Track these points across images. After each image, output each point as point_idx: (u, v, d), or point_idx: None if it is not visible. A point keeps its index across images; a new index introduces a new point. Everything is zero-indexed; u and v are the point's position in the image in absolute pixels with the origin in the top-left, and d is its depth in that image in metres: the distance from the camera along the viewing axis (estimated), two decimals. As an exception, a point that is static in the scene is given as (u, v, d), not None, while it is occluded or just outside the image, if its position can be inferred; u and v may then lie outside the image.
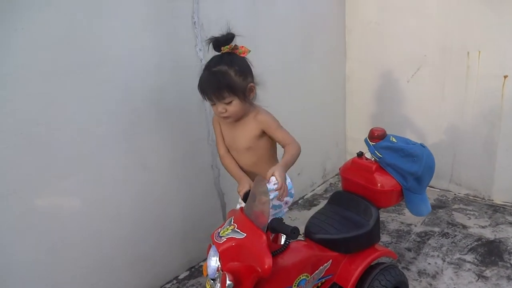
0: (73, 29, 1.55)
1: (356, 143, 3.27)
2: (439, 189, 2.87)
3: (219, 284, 1.31)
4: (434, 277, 2.01)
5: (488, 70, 2.47)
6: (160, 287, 2.07)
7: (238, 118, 1.57)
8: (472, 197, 2.75)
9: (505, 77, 2.41)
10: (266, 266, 1.27)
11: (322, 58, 2.89)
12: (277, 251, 1.43)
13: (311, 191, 3.03)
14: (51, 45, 1.50)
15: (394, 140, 1.71)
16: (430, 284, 1.96)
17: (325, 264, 1.59)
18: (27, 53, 1.45)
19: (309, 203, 2.86)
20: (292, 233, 1.31)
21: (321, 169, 3.15)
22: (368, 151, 1.76)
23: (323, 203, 2.84)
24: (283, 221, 1.73)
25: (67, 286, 1.69)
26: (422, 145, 1.73)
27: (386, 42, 2.89)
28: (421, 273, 2.04)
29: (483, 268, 2.04)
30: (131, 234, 1.90)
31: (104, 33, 1.66)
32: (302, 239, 1.60)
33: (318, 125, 2.98)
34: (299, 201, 2.88)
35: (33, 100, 1.49)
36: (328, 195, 2.95)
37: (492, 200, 2.67)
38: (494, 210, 2.57)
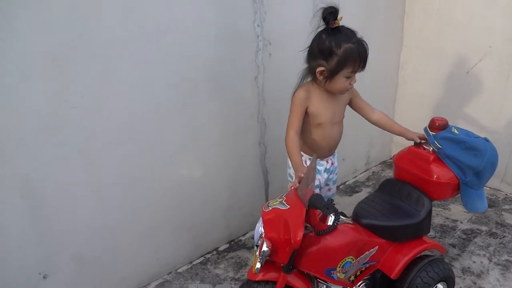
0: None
1: (404, 133, 3.17)
2: (489, 187, 2.75)
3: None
4: (479, 276, 1.95)
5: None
6: (201, 256, 2.14)
7: None
8: (525, 199, 2.63)
9: None
10: (297, 238, 1.31)
11: (377, 42, 2.78)
12: (324, 231, 1.44)
13: (353, 178, 2.99)
14: (113, 13, 1.53)
15: (456, 131, 1.64)
16: (475, 283, 1.90)
17: (371, 250, 1.58)
18: (91, 22, 1.48)
19: (351, 189, 2.83)
20: (326, 208, 1.30)
21: (365, 157, 3.09)
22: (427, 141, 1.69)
23: (364, 190, 2.80)
24: (325, 199, 1.77)
25: (118, 245, 1.78)
26: (486, 139, 1.65)
27: (447, 30, 2.75)
28: (465, 270, 1.99)
29: (533, 273, 1.96)
30: (178, 204, 1.96)
31: (164, 2, 1.66)
32: (351, 222, 1.59)
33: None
34: (341, 187, 2.85)
35: (95, 66, 1.53)
36: (371, 183, 2.91)
37: (547, 203, 2.54)
38: (549, 214, 2.45)
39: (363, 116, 1.83)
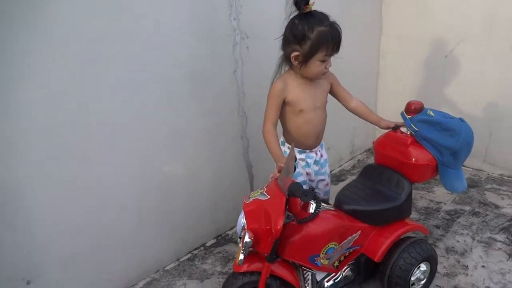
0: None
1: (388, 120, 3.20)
2: (472, 168, 2.80)
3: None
4: (462, 254, 1.98)
5: (533, 45, 2.35)
6: (188, 252, 2.14)
7: None
8: (506, 178, 2.67)
9: (551, 52, 2.29)
10: (278, 227, 1.33)
11: (356, 32, 2.81)
12: (306, 219, 1.46)
13: (338, 167, 3.01)
14: (94, 15, 1.52)
15: (431, 113, 1.66)
16: (458, 261, 1.94)
17: (354, 235, 1.60)
18: (74, 23, 1.48)
19: (337, 178, 2.85)
20: (304, 195, 1.31)
21: (349, 145, 3.11)
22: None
23: (350, 178, 2.82)
24: (323, 194, 1.78)
25: (103, 246, 1.77)
26: (461, 120, 1.67)
27: (425, 17, 2.77)
28: (449, 250, 2.02)
29: (515, 249, 2.00)
30: (163, 202, 1.95)
31: (141, 1, 1.65)
32: (333, 209, 1.60)
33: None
34: (326, 176, 2.87)
35: (77, 66, 1.52)
36: (356, 171, 2.93)
37: (528, 181, 2.59)
38: (530, 191, 2.50)
39: (342, 104, 1.85)
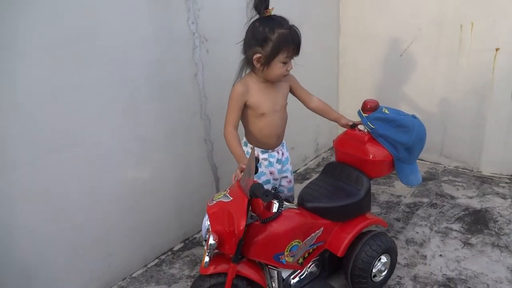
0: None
1: (349, 118, 3.27)
2: (429, 162, 2.93)
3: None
4: (421, 245, 2.08)
5: (480, 43, 2.49)
6: (155, 258, 2.12)
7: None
8: (461, 169, 2.81)
9: (497, 49, 2.44)
10: (240, 228, 1.36)
11: (316, 33, 2.88)
12: (269, 218, 1.48)
13: (303, 166, 3.07)
14: (48, 17, 1.49)
15: (386, 111, 1.73)
16: (417, 252, 2.03)
17: (317, 231, 1.64)
18: (27, 26, 1.44)
19: (302, 177, 2.91)
20: (265, 195, 1.34)
21: (313, 144, 3.18)
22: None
23: (315, 176, 2.87)
24: (287, 191, 1.81)
25: (66, 256, 1.73)
26: (414, 116, 1.75)
27: (380, 16, 2.88)
28: (409, 241, 2.11)
29: (469, 236, 2.11)
30: (128, 207, 1.93)
31: (98, 3, 1.63)
32: (295, 207, 1.64)
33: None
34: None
35: (31, 71, 1.48)
36: (321, 169, 2.99)
37: (481, 172, 2.74)
38: (482, 181, 2.64)
39: (303, 104, 1.90)
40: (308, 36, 2.88)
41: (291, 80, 1.80)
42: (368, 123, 1.73)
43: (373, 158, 1.73)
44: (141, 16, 1.80)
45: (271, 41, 1.55)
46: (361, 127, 1.82)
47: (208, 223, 1.47)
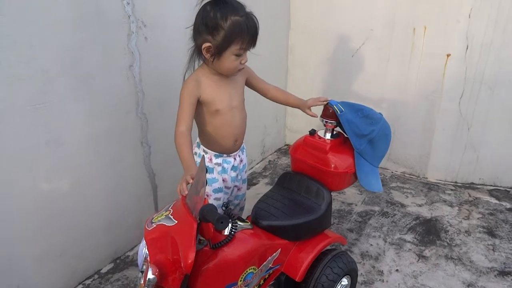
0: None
1: (296, 118, 3.15)
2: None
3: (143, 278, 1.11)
4: (376, 259, 1.96)
5: (432, 48, 2.44)
6: (79, 283, 1.77)
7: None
8: (408, 175, 2.78)
9: (448, 55, 2.40)
10: (188, 261, 1.07)
11: (266, 25, 2.64)
12: (220, 243, 1.24)
13: (249, 169, 2.85)
14: None
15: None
16: (373, 267, 1.91)
17: (274, 254, 1.43)
18: None
19: (248, 182, 2.68)
20: (219, 222, 1.09)
21: (260, 146, 2.98)
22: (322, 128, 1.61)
23: (262, 181, 2.69)
24: (236, 199, 1.57)
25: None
26: (380, 114, 1.67)
27: (331, 14, 2.75)
28: (364, 255, 1.99)
29: (423, 248, 2.04)
30: (42, 226, 1.57)
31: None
32: (250, 227, 1.41)
33: (257, 99, 2.78)
34: (237, 180, 2.69)
35: None
36: (268, 173, 2.81)
37: (427, 178, 2.72)
38: (429, 188, 2.62)
39: (261, 95, 1.71)
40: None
41: (246, 72, 1.59)
42: (339, 104, 1.57)
43: (335, 169, 1.56)
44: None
45: (223, 29, 1.32)
46: (321, 133, 1.64)
47: (146, 251, 1.18)
